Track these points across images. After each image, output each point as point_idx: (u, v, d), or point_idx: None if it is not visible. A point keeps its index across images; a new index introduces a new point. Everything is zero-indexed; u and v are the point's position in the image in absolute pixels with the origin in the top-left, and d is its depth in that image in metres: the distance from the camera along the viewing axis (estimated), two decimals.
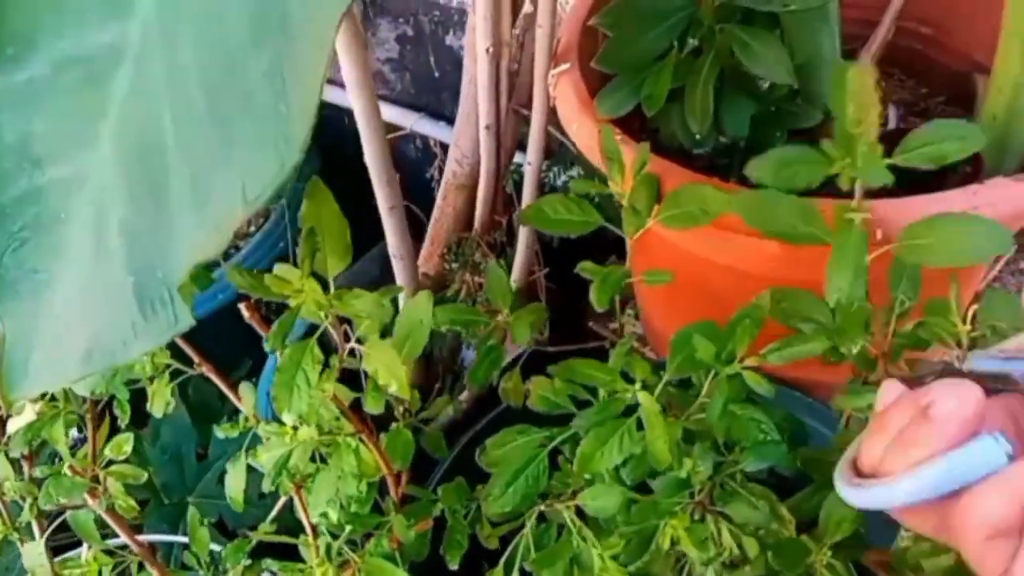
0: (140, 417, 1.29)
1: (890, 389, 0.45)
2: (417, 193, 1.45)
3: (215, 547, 0.93)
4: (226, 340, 0.93)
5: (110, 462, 0.85)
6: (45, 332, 0.43)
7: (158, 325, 0.41)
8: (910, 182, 0.71)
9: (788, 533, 0.63)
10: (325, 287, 0.63)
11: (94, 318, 0.42)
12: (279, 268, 0.63)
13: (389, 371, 0.64)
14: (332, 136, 1.32)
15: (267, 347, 0.58)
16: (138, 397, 0.94)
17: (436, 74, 1.52)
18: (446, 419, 1.24)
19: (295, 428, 0.69)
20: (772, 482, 0.69)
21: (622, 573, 0.66)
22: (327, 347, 0.70)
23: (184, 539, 0.95)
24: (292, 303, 0.58)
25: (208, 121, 0.38)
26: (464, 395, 1.27)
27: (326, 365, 0.66)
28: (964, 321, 0.59)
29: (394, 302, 0.90)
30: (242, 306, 0.64)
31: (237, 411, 1.36)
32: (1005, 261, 1.15)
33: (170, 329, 0.41)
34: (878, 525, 0.65)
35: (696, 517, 0.65)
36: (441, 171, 1.56)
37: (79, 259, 0.42)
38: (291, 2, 0.36)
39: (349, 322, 0.71)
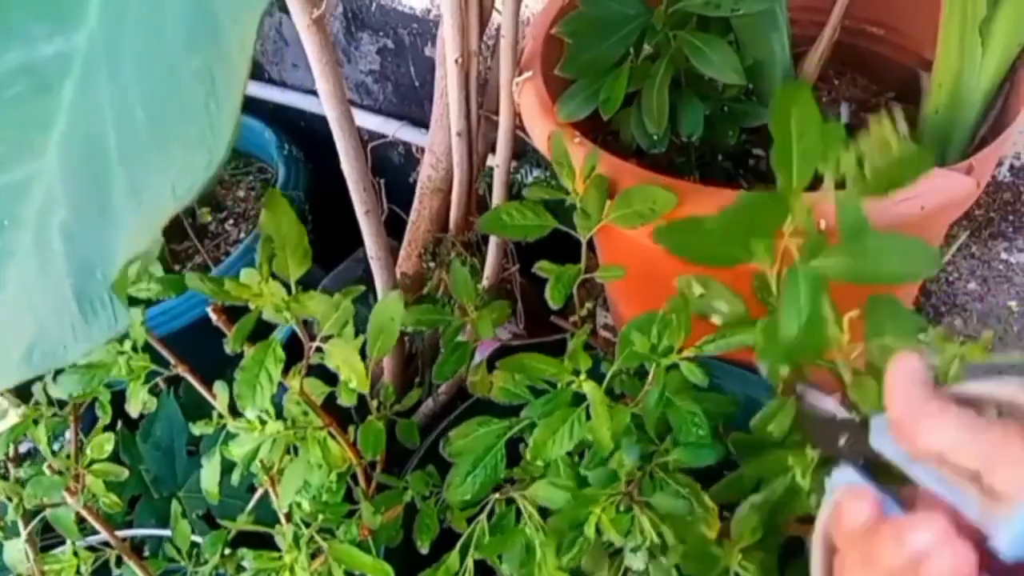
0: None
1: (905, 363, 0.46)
2: (400, 197, 1.49)
3: (199, 539, 0.97)
4: (216, 345, 0.96)
5: (92, 461, 0.88)
6: None
7: (98, 326, 0.42)
8: None
9: (709, 527, 0.65)
10: (289, 290, 0.66)
11: (35, 321, 0.43)
12: (245, 273, 0.66)
13: (349, 367, 0.68)
14: (323, 146, 1.36)
15: (228, 348, 0.62)
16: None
17: (416, 83, 1.56)
18: (427, 411, 1.28)
19: (263, 423, 0.73)
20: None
21: (557, 564, 0.70)
22: (300, 348, 0.74)
23: (168, 533, 0.98)
24: (252, 306, 0.61)
25: (147, 125, 0.40)
26: (443, 387, 1.30)
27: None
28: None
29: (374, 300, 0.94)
30: (209, 309, 0.67)
31: (232, 407, 1.40)
32: (958, 246, 1.19)
33: (109, 330, 0.42)
34: None
35: (623, 507, 0.68)
36: None
37: (21, 263, 0.43)
38: (220, 10, 0.38)
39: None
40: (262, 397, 0.64)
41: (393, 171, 1.69)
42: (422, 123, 1.59)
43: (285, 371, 0.70)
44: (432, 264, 1.27)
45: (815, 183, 0.76)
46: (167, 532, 1.01)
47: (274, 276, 0.65)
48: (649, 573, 0.68)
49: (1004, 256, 1.21)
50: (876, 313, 0.58)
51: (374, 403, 0.97)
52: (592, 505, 0.66)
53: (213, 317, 0.68)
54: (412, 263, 1.28)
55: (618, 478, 0.69)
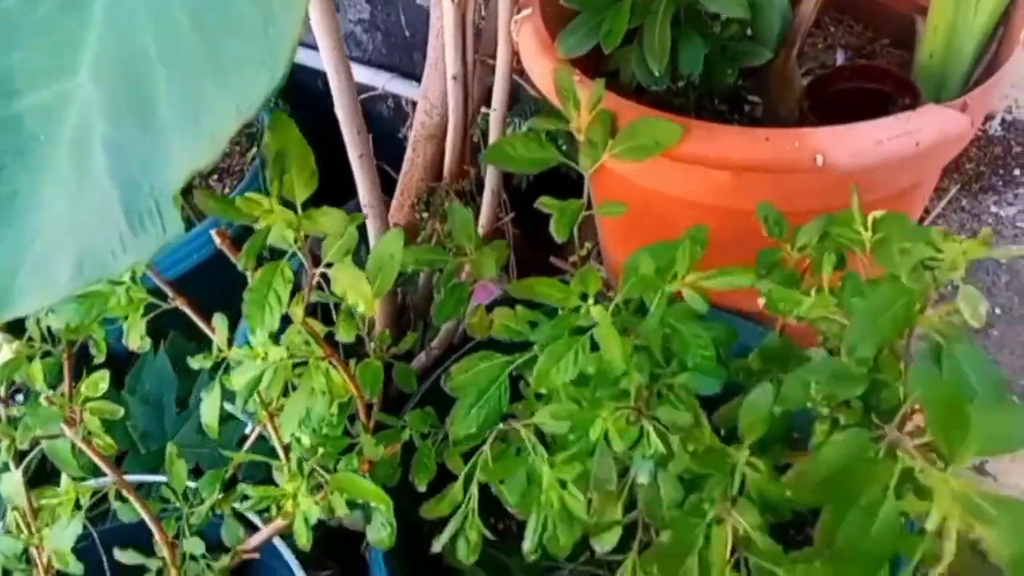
0: (120, 372, 1.33)
1: None
2: (389, 152, 1.48)
3: (192, 484, 0.96)
4: (201, 300, 0.95)
5: (87, 399, 0.87)
6: (29, 252, 0.44)
7: (146, 237, 0.42)
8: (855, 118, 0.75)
9: (706, 437, 0.66)
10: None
11: (81, 234, 0.43)
12: (247, 194, 0.65)
13: (356, 291, 0.67)
14: (311, 100, 1.34)
15: (240, 265, 0.61)
16: (118, 356, 0.97)
17: (407, 33, 1.55)
18: (419, 365, 1.28)
19: (265, 353, 0.72)
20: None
21: (566, 490, 0.70)
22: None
23: (162, 478, 0.97)
24: (261, 224, 0.60)
25: (195, 42, 0.40)
26: (436, 342, 1.30)
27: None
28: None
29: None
30: (213, 232, 0.67)
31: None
32: (948, 199, 1.20)
33: (158, 240, 0.42)
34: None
35: (631, 421, 0.68)
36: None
37: (61, 178, 0.43)
38: None
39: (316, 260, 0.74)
40: (271, 318, 0.63)
41: (382, 126, 1.68)
42: (412, 75, 1.58)
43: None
44: (425, 214, 1.26)
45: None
46: (161, 478, 1.01)
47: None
48: (658, 484, 0.68)
49: (994, 210, 1.22)
50: (885, 226, 0.59)
51: (371, 347, 0.97)
52: (600, 409, 0.66)
53: (217, 241, 0.67)
54: (404, 213, 1.27)
55: (627, 395, 0.69)
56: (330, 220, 0.62)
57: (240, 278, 0.67)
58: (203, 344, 1.48)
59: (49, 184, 0.44)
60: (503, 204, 1.27)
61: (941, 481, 0.47)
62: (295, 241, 0.65)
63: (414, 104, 1.62)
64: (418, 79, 1.59)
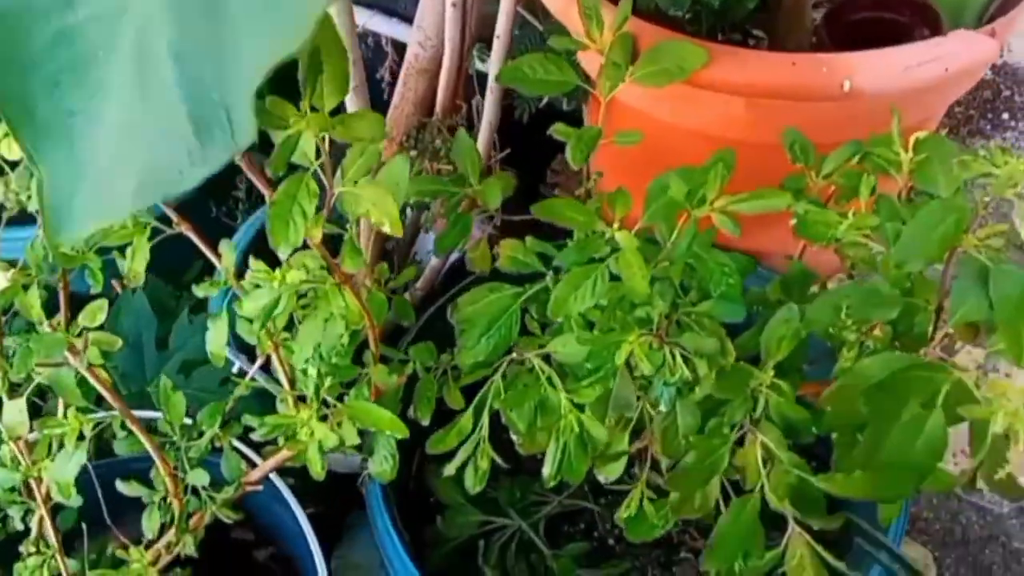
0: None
1: None
2: (369, 93, 1.45)
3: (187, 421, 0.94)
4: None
5: (85, 329, 0.84)
6: (88, 172, 0.43)
7: (215, 149, 0.40)
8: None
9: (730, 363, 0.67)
10: None
11: (144, 152, 0.41)
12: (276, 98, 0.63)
13: (381, 210, 0.66)
14: None
15: (270, 171, 0.59)
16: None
17: None
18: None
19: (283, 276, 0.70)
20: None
21: (584, 414, 0.70)
22: None
23: (154, 414, 0.95)
24: (292, 130, 0.58)
25: None
26: (419, 283, 1.29)
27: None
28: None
29: None
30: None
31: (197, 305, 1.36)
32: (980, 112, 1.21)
33: (229, 150, 0.40)
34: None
35: (655, 347, 0.68)
36: (393, 72, 1.55)
37: (121, 95, 0.41)
38: None
39: None
40: (296, 234, 0.61)
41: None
42: (394, 12, 1.54)
43: None
44: (415, 152, 1.24)
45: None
46: (153, 414, 0.98)
47: None
48: (676, 412, 0.68)
49: (982, 154, 1.24)
50: (928, 147, 0.59)
51: (372, 277, 0.95)
52: (627, 334, 0.66)
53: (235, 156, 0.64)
54: (392, 151, 1.25)
55: (649, 322, 0.68)
56: (366, 125, 0.60)
57: None
58: (180, 287, 1.45)
59: (110, 101, 0.42)
60: (494, 144, 1.25)
61: (1003, 386, 0.47)
62: (318, 155, 0.63)
63: (394, 43, 1.58)
64: (400, 17, 1.56)
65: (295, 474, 1.00)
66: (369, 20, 1.55)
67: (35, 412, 0.86)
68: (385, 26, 1.55)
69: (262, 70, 0.38)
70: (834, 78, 0.72)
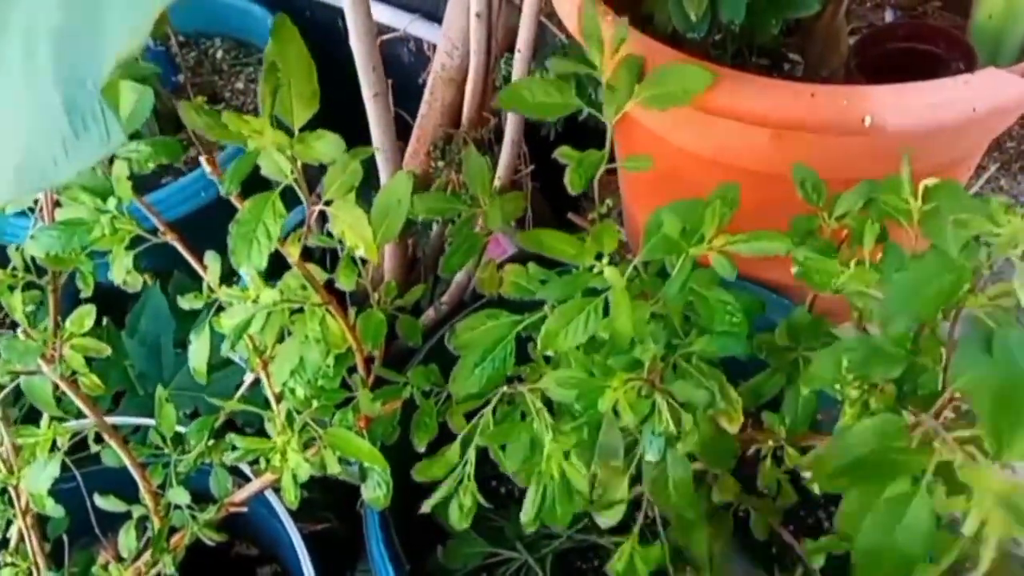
0: (119, 313, 1.29)
1: None
2: (409, 100, 1.41)
3: (183, 429, 0.92)
4: (206, 240, 0.90)
5: (71, 335, 0.82)
6: None
7: (89, 142, 0.39)
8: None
9: (731, 421, 0.61)
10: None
11: (24, 136, 0.41)
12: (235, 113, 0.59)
13: (355, 232, 0.62)
14: (329, 38, 1.28)
15: (223, 191, 0.56)
16: (116, 298, 0.92)
17: None
18: (428, 320, 1.23)
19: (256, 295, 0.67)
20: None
21: (568, 461, 0.65)
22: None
23: (146, 421, 0.93)
24: (250, 147, 0.55)
25: None
26: (446, 296, 1.25)
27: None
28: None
29: None
30: (202, 159, 0.61)
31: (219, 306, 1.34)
32: (987, 178, 1.13)
33: (101, 146, 0.39)
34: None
35: (643, 394, 0.63)
36: None
37: (8, 73, 0.41)
38: None
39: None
40: (258, 254, 0.58)
41: (402, 71, 1.61)
42: (436, 17, 1.50)
43: None
44: (441, 163, 1.20)
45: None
46: (151, 421, 0.96)
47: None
48: (666, 462, 0.63)
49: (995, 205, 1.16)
50: (938, 196, 0.54)
51: (375, 296, 0.92)
52: (611, 380, 0.61)
53: (207, 169, 0.61)
54: (419, 161, 1.21)
55: (640, 365, 0.63)
56: (325, 145, 0.56)
57: None
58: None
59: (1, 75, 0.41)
60: (523, 156, 1.21)
61: (983, 478, 0.41)
62: (291, 172, 0.59)
63: (435, 48, 1.55)
64: (441, 22, 1.52)
65: (313, 486, 0.98)
66: (410, 24, 1.52)
67: (35, 415, 0.85)
68: (426, 30, 1.51)
69: (118, 55, 0.37)
70: (854, 112, 0.67)
